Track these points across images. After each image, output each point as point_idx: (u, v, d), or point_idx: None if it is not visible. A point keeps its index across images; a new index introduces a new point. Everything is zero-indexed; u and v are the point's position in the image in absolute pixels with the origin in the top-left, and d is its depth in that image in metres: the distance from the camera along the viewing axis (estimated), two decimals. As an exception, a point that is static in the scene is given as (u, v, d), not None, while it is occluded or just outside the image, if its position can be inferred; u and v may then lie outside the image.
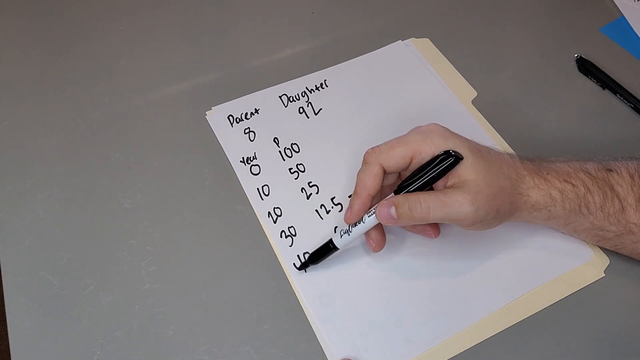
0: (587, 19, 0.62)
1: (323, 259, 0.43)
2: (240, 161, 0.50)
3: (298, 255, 0.45)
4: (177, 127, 0.53)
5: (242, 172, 0.50)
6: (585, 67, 0.57)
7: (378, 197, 0.42)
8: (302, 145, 0.51)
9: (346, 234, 0.42)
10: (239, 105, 0.54)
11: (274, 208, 0.47)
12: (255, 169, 0.50)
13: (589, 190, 0.41)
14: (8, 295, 0.43)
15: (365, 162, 0.41)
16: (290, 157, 0.51)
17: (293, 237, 0.46)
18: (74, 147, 0.51)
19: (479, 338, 0.41)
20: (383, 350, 0.41)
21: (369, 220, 0.41)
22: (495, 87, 0.56)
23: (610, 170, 0.42)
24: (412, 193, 0.39)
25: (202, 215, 0.47)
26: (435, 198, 0.38)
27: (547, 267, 0.44)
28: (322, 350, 0.41)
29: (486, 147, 0.41)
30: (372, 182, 0.41)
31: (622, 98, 0.55)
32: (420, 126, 0.42)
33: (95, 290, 0.43)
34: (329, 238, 0.43)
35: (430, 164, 0.39)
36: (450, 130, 0.41)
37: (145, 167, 0.50)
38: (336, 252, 0.43)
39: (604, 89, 0.56)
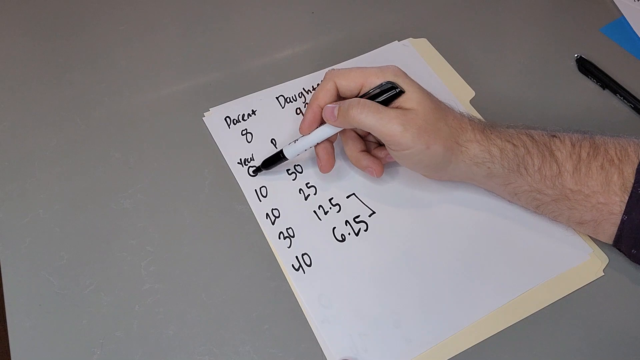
0: (587, 19, 0.62)
1: (273, 166, 0.48)
2: (238, 162, 0.50)
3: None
4: (177, 127, 0.53)
5: (239, 173, 0.50)
6: (585, 67, 0.57)
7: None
8: (300, 146, 0.51)
9: (293, 143, 0.46)
10: (236, 107, 0.54)
11: (272, 209, 0.47)
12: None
13: (529, 151, 0.42)
14: (8, 295, 0.43)
15: (323, 79, 0.46)
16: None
17: (291, 239, 0.46)
18: (74, 147, 0.52)
19: (479, 338, 0.41)
20: (382, 350, 0.41)
21: (315, 132, 0.45)
22: (493, 87, 0.56)
23: (554, 136, 0.43)
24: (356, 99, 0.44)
25: (202, 215, 0.47)
26: (373, 105, 0.42)
27: (545, 266, 0.44)
28: (322, 350, 0.41)
29: (439, 100, 0.44)
30: (322, 94, 0.45)
31: (622, 98, 0.55)
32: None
33: (95, 290, 0.43)
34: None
35: (374, 91, 0.43)
36: (406, 74, 0.44)
37: (145, 167, 0.50)
38: (286, 162, 0.48)
39: (604, 89, 0.56)
